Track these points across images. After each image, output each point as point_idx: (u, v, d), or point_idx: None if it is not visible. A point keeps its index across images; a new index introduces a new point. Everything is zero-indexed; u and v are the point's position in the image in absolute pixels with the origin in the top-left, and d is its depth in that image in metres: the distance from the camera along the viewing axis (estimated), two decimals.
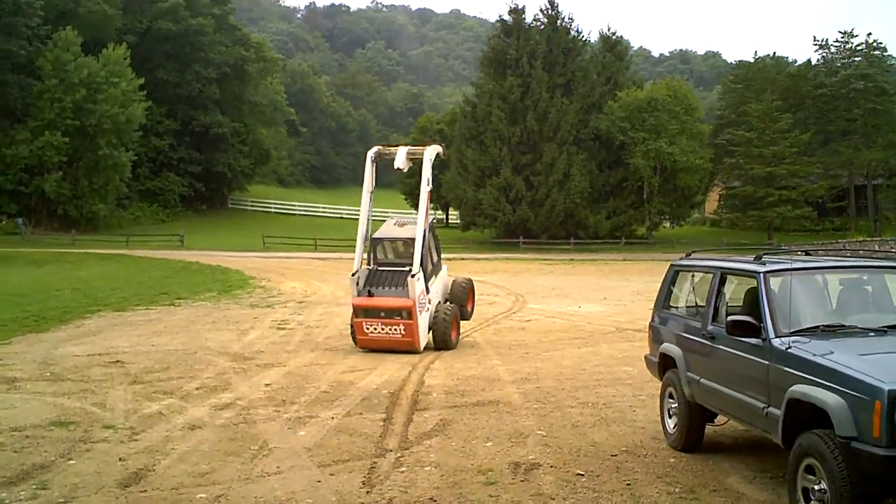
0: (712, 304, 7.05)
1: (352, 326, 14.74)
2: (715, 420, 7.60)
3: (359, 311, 14.15)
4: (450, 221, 71.11)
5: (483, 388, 10.98)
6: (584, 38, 60.74)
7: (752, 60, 65.93)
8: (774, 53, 70.80)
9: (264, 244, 51.60)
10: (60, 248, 45.55)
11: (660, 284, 8.42)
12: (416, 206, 64.50)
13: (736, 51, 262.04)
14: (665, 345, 7.83)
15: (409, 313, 13.92)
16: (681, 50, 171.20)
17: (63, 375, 11.90)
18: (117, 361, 13.06)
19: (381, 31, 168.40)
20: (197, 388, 10.99)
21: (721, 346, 6.71)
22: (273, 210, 78.40)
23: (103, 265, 36.78)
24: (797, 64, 66.21)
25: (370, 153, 15.67)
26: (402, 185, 72.73)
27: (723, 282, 7.11)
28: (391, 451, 7.82)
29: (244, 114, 74.85)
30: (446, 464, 7.37)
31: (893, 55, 60.25)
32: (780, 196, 52.71)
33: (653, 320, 8.41)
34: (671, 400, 7.79)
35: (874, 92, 55.75)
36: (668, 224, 63.45)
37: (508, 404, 9.94)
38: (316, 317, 19.81)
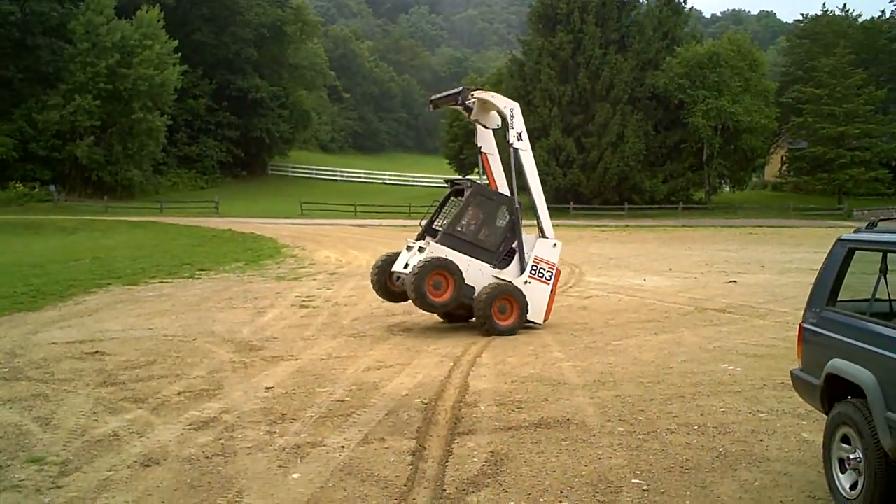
0: None
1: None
2: None
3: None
4: None
5: (545, 398, 8.38)
6: None
7: (819, 13, 61.53)
8: (844, 6, 66.20)
9: (302, 210, 49.43)
10: (93, 216, 43.91)
11: (821, 267, 5.67)
12: (460, 169, 62.44)
13: (791, 10, 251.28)
14: (837, 362, 5.12)
15: None
16: (733, 10, 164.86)
17: (23, 371, 9.62)
18: (97, 352, 10.75)
19: None
20: (178, 394, 8.58)
21: None
22: (314, 176, 76.27)
23: (132, 233, 34.95)
24: (870, 17, 61.63)
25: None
26: (447, 149, 70.20)
27: None
28: None
29: (283, 77, 72.51)
30: None
31: None
32: (853, 157, 48.87)
33: (807, 320, 5.68)
34: (846, 447, 5.11)
35: None
36: (727, 188, 59.76)
37: (583, 425, 7.33)
38: (346, 292, 17.44)
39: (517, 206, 12.79)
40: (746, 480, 5.86)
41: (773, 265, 23.55)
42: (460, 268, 12.12)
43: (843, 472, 5.16)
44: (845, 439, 5.12)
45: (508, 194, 13.09)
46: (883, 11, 59.67)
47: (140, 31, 53.83)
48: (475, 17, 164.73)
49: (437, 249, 12.30)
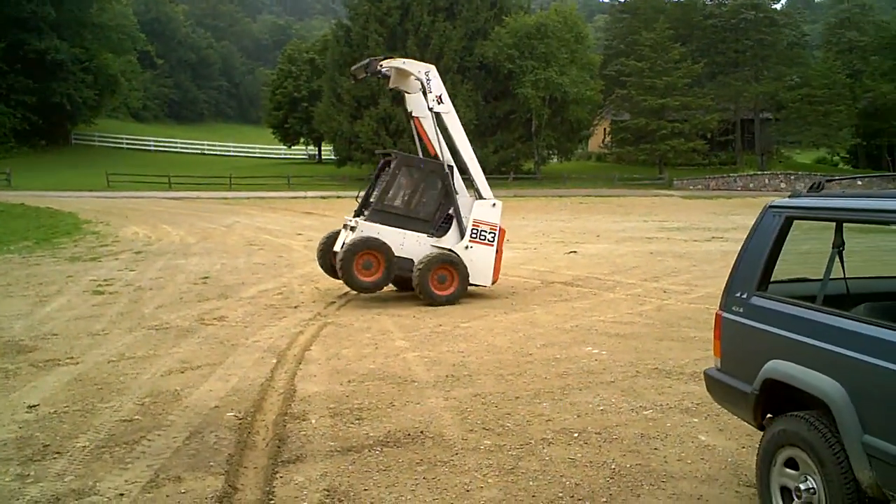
0: None
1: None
2: None
3: None
4: (323, 157, 66.28)
5: (391, 402, 6.87)
6: None
7: None
8: None
9: (108, 183, 45.18)
10: None
11: (744, 241, 4.43)
12: (284, 139, 59.94)
13: None
14: (779, 365, 3.89)
15: None
16: None
17: None
18: None
19: None
20: None
21: None
22: (124, 146, 70.69)
23: None
24: None
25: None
26: (270, 118, 66.97)
27: None
28: None
29: (86, 39, 66.09)
30: None
31: None
32: (673, 129, 50.64)
33: (728, 308, 4.44)
34: (791, 472, 3.91)
35: (764, 23, 54.21)
36: (555, 159, 60.59)
37: (440, 440, 5.87)
38: (153, 273, 15.24)
39: (447, 170, 12.44)
40: None
41: (608, 234, 23.32)
42: (391, 244, 11.88)
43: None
44: (791, 463, 3.93)
45: (438, 160, 12.61)
46: None
47: None
48: None
49: (366, 227, 12.00)
